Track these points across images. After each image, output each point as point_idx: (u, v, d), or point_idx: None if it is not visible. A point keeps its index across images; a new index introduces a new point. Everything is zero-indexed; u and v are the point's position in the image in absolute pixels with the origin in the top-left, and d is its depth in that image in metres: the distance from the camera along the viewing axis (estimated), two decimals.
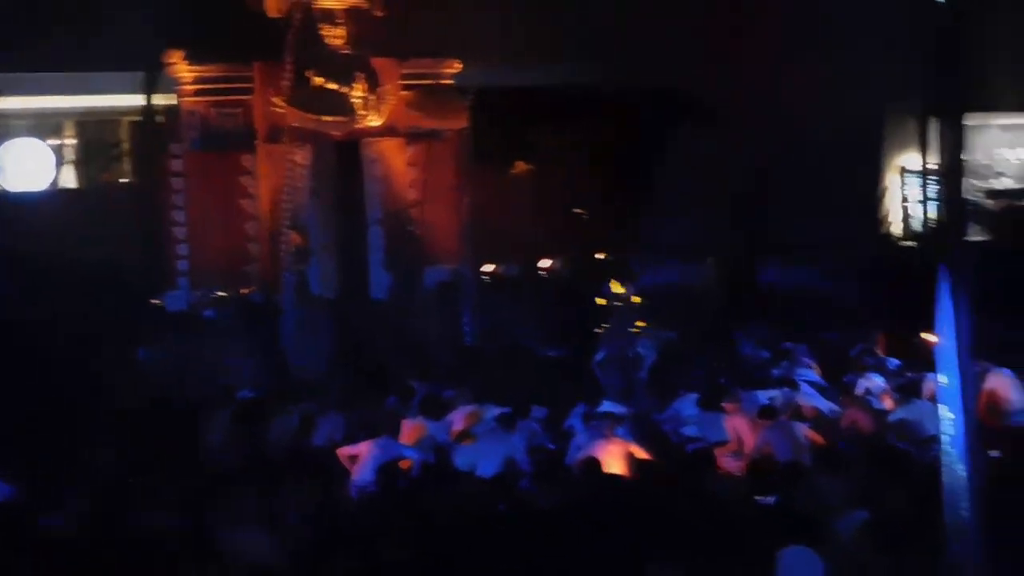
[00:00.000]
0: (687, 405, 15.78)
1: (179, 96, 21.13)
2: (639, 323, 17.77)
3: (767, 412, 14.36)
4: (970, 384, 6.66)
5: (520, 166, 25.29)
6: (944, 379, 6.73)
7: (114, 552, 10.27)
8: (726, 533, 9.88)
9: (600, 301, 17.98)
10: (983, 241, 25.31)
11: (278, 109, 19.62)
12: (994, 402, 15.11)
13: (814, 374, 17.58)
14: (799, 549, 8.70)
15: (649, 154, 25.33)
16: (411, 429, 14.53)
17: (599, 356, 17.77)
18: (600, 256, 22.45)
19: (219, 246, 20.59)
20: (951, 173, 6.20)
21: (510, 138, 24.41)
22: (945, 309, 6.50)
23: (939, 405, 6.92)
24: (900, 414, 14.61)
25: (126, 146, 25.20)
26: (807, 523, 9.68)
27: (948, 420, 6.78)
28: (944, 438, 6.87)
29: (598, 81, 24.86)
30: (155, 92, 22.48)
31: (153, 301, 20.48)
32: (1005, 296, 18.83)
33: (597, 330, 17.97)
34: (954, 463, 6.82)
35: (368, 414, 15.68)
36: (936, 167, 6.17)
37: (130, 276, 20.26)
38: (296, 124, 19.71)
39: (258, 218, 20.75)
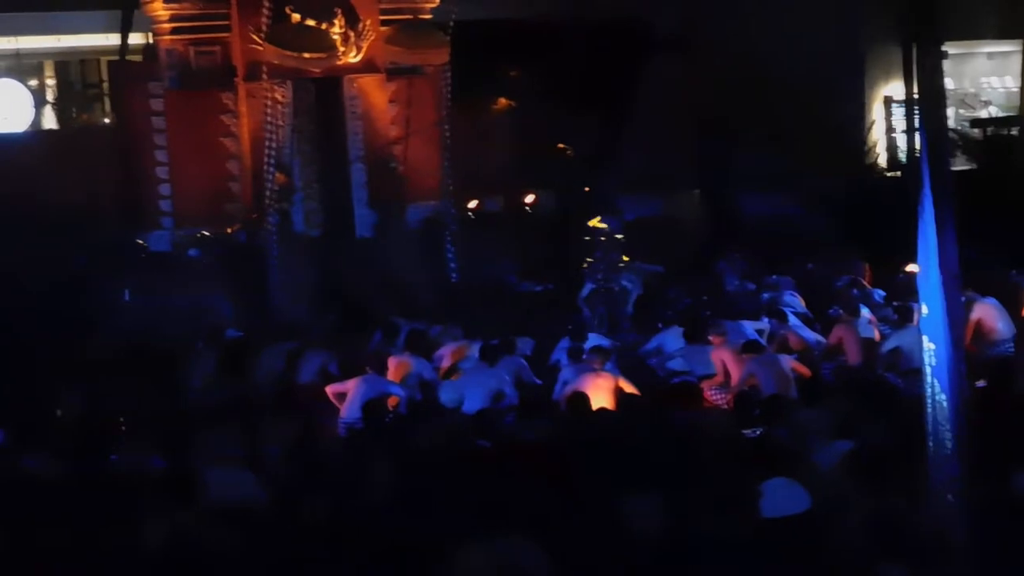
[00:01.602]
0: (673, 338, 15.77)
1: (156, 35, 20.94)
2: (624, 257, 17.72)
3: (753, 346, 14.34)
4: (955, 314, 6.61)
5: (502, 102, 25.12)
6: (926, 309, 6.68)
7: (96, 492, 10.26)
8: (710, 466, 9.88)
9: (585, 236, 17.90)
10: (970, 170, 25.29)
11: (257, 47, 19.39)
12: (981, 331, 15.14)
13: (800, 305, 17.56)
14: (783, 481, 8.68)
15: (629, 87, 25.20)
16: (397, 366, 14.52)
17: (584, 290, 17.73)
18: (584, 190, 22.37)
19: (201, 185, 20.47)
20: (931, 100, 6.11)
21: (491, 73, 24.23)
22: (927, 238, 6.44)
23: (923, 335, 6.87)
24: (891, 344, 14.62)
25: (105, 86, 25.02)
26: (791, 455, 9.70)
27: (931, 350, 6.74)
28: (927, 368, 6.83)
29: (577, 13, 24.69)
30: (132, 31, 22.29)
31: (137, 242, 20.38)
32: (989, 224, 18.87)
33: (582, 265, 17.91)
34: (937, 393, 6.79)
35: (354, 352, 15.66)
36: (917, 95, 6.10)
37: (112, 217, 20.18)
38: (275, 61, 19.48)
39: (240, 157, 20.62)
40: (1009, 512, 8.13)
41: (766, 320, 16.29)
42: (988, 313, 15.16)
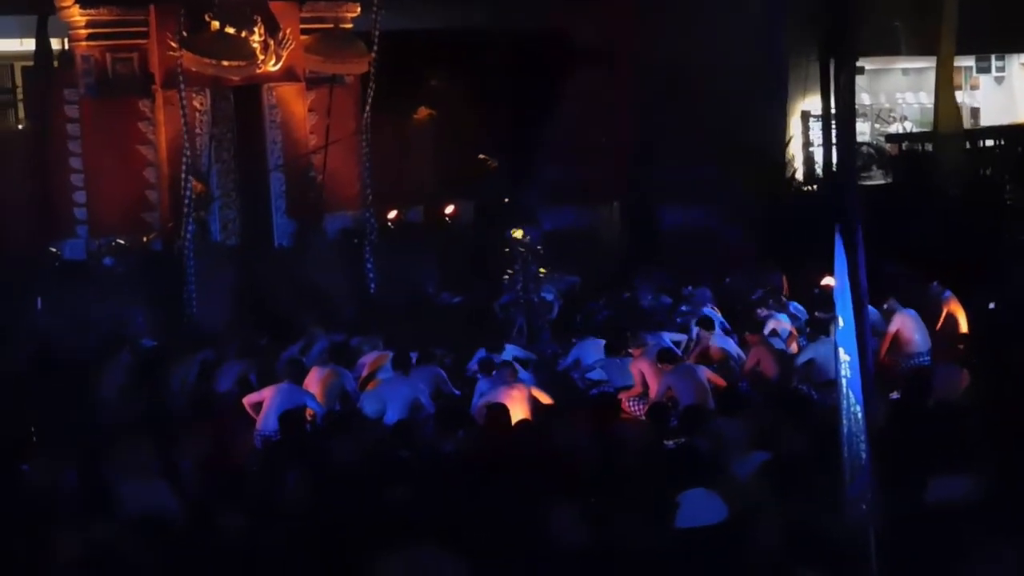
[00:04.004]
0: (592, 350, 15.80)
1: (72, 41, 20.71)
2: (542, 268, 17.72)
3: (667, 355, 14.40)
4: (865, 326, 6.69)
5: (422, 111, 25.12)
6: (842, 321, 6.76)
7: (7, 504, 10.11)
8: (628, 477, 9.90)
9: (504, 247, 17.88)
10: (886, 184, 25.61)
11: (175, 54, 19.21)
12: (898, 343, 15.26)
13: (719, 317, 17.64)
14: (700, 491, 8.74)
15: (551, 98, 25.28)
16: (322, 376, 14.34)
17: (503, 300, 17.72)
18: (504, 201, 22.40)
19: (117, 194, 20.28)
20: (843, 116, 6.19)
21: (413, 83, 24.22)
22: (839, 251, 6.51)
23: (838, 347, 6.94)
24: (806, 356, 14.71)
25: (19, 92, 24.70)
26: (708, 466, 9.76)
27: (845, 362, 6.81)
28: (842, 380, 6.90)
29: (498, 24, 24.75)
30: (48, 37, 22.01)
31: (50, 250, 20.12)
32: (907, 237, 19.15)
33: (501, 275, 17.89)
34: (852, 404, 6.86)
35: (270, 362, 15.56)
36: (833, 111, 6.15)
37: (25, 224, 19.91)
38: (194, 69, 19.30)
39: (157, 165, 20.46)
40: (923, 519, 8.24)
41: (691, 331, 16.37)
42: (907, 324, 15.26)
